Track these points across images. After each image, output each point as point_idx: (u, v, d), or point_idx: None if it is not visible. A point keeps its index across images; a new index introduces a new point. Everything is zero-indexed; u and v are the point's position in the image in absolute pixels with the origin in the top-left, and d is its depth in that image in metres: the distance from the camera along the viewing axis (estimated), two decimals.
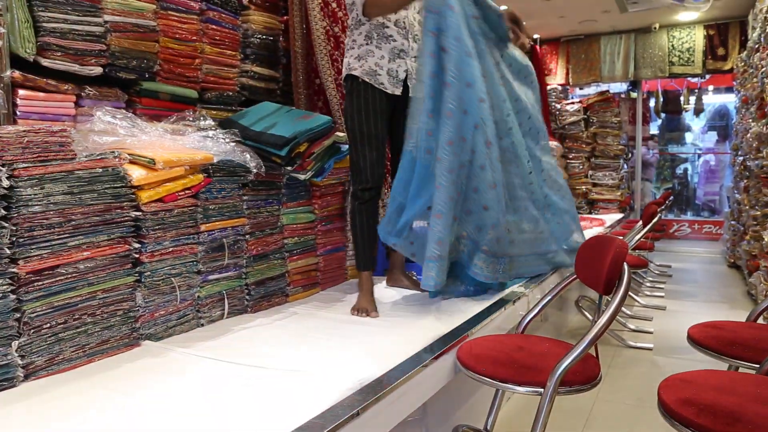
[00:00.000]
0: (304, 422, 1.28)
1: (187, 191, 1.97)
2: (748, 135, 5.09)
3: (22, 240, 1.52)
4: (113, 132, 1.97)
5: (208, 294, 2.08)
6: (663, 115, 9.45)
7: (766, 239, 4.11)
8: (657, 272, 6.26)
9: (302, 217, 2.52)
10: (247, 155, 2.23)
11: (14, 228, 1.51)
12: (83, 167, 1.67)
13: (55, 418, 1.33)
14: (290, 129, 2.39)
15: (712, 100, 10.01)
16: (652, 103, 8.79)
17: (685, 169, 10.36)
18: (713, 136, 10.30)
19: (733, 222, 6.35)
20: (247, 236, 2.24)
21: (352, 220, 2.45)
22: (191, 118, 2.33)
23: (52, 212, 1.59)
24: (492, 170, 2.30)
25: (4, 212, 1.50)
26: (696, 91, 8.61)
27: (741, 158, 5.75)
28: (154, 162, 1.86)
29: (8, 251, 1.50)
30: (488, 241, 2.34)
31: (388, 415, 1.50)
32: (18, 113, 1.94)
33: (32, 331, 1.54)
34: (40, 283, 1.56)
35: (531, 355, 1.75)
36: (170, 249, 1.91)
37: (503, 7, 2.53)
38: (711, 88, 9.68)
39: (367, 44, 2.39)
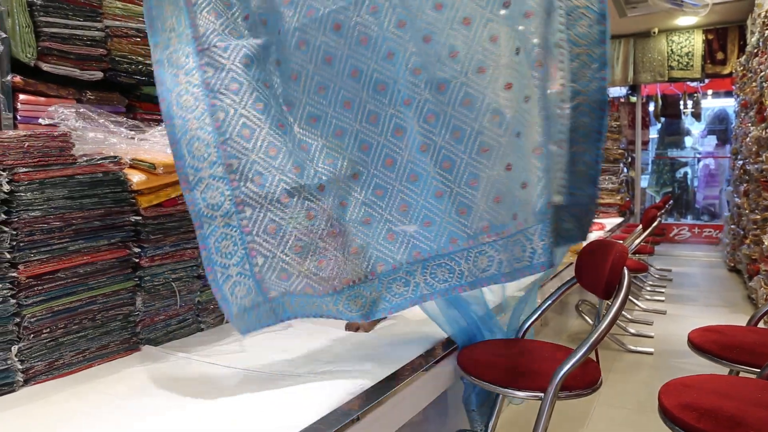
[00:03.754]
0: (304, 427, 1.28)
1: None
2: (748, 139, 5.10)
3: (22, 244, 1.52)
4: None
5: (208, 298, 2.08)
6: (662, 119, 9.47)
7: (766, 243, 4.11)
8: (657, 276, 6.26)
9: None
10: None
11: (14, 232, 1.51)
12: (83, 172, 1.68)
13: (55, 423, 1.33)
14: None
15: (712, 104, 10.03)
16: (651, 107, 8.81)
17: (685, 173, 10.37)
18: (713, 139, 10.31)
19: (733, 226, 6.36)
20: None
21: None
22: None
23: (52, 216, 1.59)
24: None
25: (4, 216, 1.50)
26: (695, 95, 8.63)
27: (740, 162, 5.75)
28: (154, 166, 1.86)
29: (8, 255, 1.50)
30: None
31: (389, 419, 1.49)
32: (18, 118, 1.94)
33: (32, 335, 1.54)
34: (40, 287, 1.56)
35: (531, 359, 1.74)
36: (170, 253, 1.91)
37: None
38: (710, 92, 9.71)
39: None
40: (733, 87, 6.75)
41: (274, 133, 1.50)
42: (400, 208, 1.56)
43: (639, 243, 4.35)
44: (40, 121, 1.92)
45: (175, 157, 1.51)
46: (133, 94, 2.37)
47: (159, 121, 2.29)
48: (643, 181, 9.38)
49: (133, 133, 2.08)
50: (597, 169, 1.59)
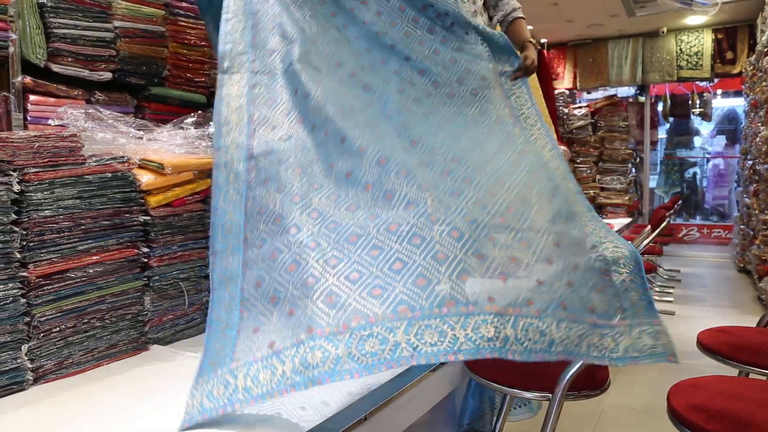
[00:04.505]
0: (311, 427, 1.28)
1: (195, 196, 1.98)
2: (758, 139, 5.07)
3: (32, 244, 1.53)
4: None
5: None
6: (671, 119, 9.42)
7: None
8: (666, 277, 6.23)
9: None
10: None
11: (24, 232, 1.52)
12: (93, 172, 1.69)
13: (64, 422, 1.34)
14: None
15: (721, 103, 9.98)
16: (660, 107, 8.77)
17: (694, 173, 10.32)
18: (722, 139, 10.26)
19: (742, 226, 6.31)
20: None
21: None
22: (191, 123, 2.31)
23: (62, 216, 1.60)
24: None
25: (14, 217, 1.51)
26: (704, 95, 8.58)
27: (750, 162, 5.71)
28: (162, 167, 1.87)
29: (18, 255, 1.51)
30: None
31: (396, 419, 1.50)
32: (29, 118, 1.96)
33: (42, 335, 1.55)
34: (50, 287, 1.57)
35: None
36: (178, 253, 1.92)
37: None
38: (719, 91, 9.65)
39: None
40: (743, 86, 6.71)
41: (286, 205, 1.53)
42: (394, 266, 1.39)
43: (648, 243, 4.32)
44: (50, 121, 1.94)
45: (211, 237, 1.56)
46: (142, 95, 2.38)
47: (167, 121, 2.31)
48: (652, 182, 9.33)
49: (141, 133, 2.09)
50: None
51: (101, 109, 2.04)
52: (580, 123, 6.96)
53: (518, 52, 2.23)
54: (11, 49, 1.89)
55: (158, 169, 1.87)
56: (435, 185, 1.60)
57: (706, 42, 6.92)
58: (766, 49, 4.99)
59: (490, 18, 2.64)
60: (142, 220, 1.81)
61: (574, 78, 7.62)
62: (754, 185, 5.38)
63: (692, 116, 9.04)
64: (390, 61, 2.00)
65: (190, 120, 2.28)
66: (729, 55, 6.88)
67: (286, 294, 1.40)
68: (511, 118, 1.94)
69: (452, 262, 1.36)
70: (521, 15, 2.60)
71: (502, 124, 1.90)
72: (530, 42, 2.39)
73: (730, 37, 6.86)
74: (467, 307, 1.30)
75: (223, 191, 1.59)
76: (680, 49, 7.03)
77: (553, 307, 1.33)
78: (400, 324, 1.27)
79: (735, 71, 6.88)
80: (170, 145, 2.06)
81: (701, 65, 6.96)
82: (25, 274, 1.51)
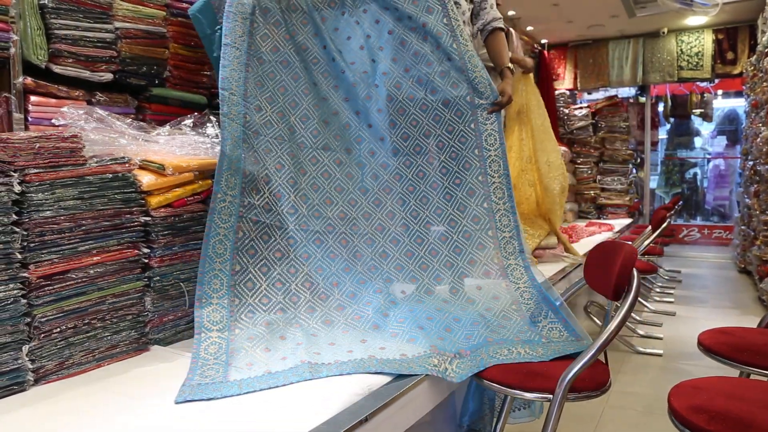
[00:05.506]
0: (313, 428, 1.28)
1: (196, 196, 1.98)
2: (758, 139, 5.06)
3: (33, 245, 1.54)
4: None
5: None
6: (672, 119, 9.41)
7: None
8: (666, 278, 6.23)
9: None
10: None
11: (25, 233, 1.52)
12: (93, 172, 1.69)
13: (65, 422, 1.34)
14: None
15: (722, 104, 9.96)
16: (660, 107, 8.76)
17: (695, 174, 10.30)
18: (722, 140, 10.24)
19: (743, 227, 6.31)
20: None
21: None
22: (190, 124, 2.31)
23: (62, 217, 1.60)
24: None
25: (15, 217, 1.51)
26: (705, 95, 8.56)
27: (751, 163, 5.71)
28: (163, 167, 1.87)
29: (19, 256, 1.51)
30: None
31: (397, 420, 1.49)
32: (30, 119, 1.96)
33: (42, 335, 1.55)
34: (51, 287, 1.57)
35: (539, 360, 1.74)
36: (179, 254, 1.92)
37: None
38: (720, 92, 9.64)
39: None
40: (744, 87, 6.70)
41: (270, 289, 1.93)
42: (372, 326, 1.90)
43: (648, 244, 4.32)
44: (53, 121, 1.94)
45: (198, 283, 1.84)
46: (142, 96, 2.38)
47: (168, 122, 2.31)
48: (653, 182, 9.32)
49: (142, 134, 2.09)
50: None
51: (102, 110, 2.04)
52: (581, 123, 6.94)
53: (496, 78, 2.30)
54: (12, 50, 1.89)
55: (159, 169, 1.87)
56: (408, 260, 2.09)
57: (706, 42, 6.91)
58: (766, 50, 4.99)
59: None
60: (142, 220, 1.81)
61: (575, 78, 7.61)
62: (755, 186, 5.38)
63: (693, 117, 9.02)
64: (374, 98, 2.20)
65: (188, 121, 2.29)
66: (729, 55, 6.87)
67: (277, 331, 1.82)
68: (479, 161, 2.14)
69: (403, 335, 1.83)
70: (501, 26, 2.57)
71: (469, 170, 2.14)
72: (508, 68, 2.40)
73: (731, 37, 6.85)
74: (421, 351, 1.72)
75: (214, 240, 1.87)
76: (681, 50, 7.02)
77: (480, 358, 1.70)
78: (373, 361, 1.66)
79: (735, 72, 6.86)
80: (171, 146, 2.07)
81: (702, 66, 6.95)
82: (26, 274, 1.52)
